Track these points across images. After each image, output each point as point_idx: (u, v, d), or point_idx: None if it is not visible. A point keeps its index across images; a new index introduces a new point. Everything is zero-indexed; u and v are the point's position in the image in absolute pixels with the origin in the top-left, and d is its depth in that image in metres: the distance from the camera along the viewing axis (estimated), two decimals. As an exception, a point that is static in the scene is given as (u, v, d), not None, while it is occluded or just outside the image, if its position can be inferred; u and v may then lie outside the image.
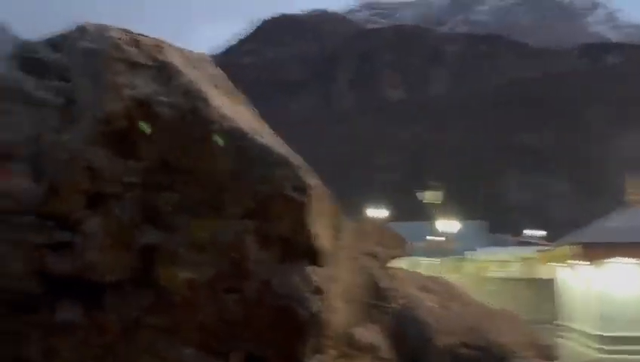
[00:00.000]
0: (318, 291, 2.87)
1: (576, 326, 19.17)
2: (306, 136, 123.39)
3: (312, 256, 3.00)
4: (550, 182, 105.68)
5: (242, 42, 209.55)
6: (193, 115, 3.09)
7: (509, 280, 35.92)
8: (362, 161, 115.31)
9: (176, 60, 3.24)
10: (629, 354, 15.79)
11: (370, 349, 3.44)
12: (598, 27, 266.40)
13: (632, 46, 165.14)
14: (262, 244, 3.00)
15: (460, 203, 64.28)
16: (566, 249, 17.92)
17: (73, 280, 3.34)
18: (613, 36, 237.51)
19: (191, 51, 3.67)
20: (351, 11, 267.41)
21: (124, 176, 3.14)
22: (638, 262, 16.65)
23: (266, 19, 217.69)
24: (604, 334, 16.63)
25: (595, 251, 16.58)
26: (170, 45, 3.41)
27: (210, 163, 3.05)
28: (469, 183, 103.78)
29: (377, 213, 33.78)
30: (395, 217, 28.86)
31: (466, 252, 49.08)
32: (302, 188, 2.99)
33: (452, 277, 35.64)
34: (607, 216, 19.53)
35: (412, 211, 40.09)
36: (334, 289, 3.00)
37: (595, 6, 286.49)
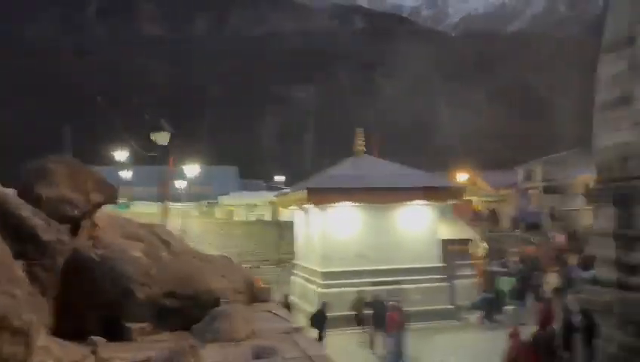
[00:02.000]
0: None
1: (306, 264, 20.81)
2: (45, 66, 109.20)
3: None
4: (300, 132, 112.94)
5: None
6: None
7: (255, 223, 37.61)
8: (112, 99, 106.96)
9: None
10: (345, 287, 17.78)
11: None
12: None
13: (377, 13, 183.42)
14: None
15: (212, 148, 64.48)
16: (299, 193, 19.14)
17: None
18: (363, 2, 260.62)
19: None
20: None
21: None
22: (355, 204, 18.68)
23: None
24: (325, 270, 18.39)
25: (321, 195, 18.09)
26: None
27: None
28: (224, 129, 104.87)
29: (120, 155, 31.63)
30: (141, 160, 27.30)
31: (219, 197, 49.82)
32: None
33: (202, 222, 35.77)
34: (337, 164, 21.44)
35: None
36: None
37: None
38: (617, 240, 11.84)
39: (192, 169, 27.54)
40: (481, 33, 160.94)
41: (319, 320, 15.37)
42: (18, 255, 3.44)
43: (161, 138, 14.72)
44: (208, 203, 47.02)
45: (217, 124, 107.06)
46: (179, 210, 34.83)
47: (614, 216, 11.91)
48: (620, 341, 11.25)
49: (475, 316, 18.92)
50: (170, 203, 28.27)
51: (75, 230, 5.59)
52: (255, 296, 7.61)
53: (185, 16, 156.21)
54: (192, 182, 32.52)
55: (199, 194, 47.17)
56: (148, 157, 21.32)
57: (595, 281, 12.70)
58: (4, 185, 5.18)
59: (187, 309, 6.09)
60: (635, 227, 11.37)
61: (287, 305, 15.56)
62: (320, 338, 15.23)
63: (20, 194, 4.94)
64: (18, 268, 3.34)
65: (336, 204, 18.49)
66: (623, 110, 11.72)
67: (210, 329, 5.53)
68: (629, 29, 11.73)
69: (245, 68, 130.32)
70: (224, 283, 6.85)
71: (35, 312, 3.36)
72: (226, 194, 50.39)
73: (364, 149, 21.83)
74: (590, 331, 12.10)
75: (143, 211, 33.04)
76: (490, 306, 18.70)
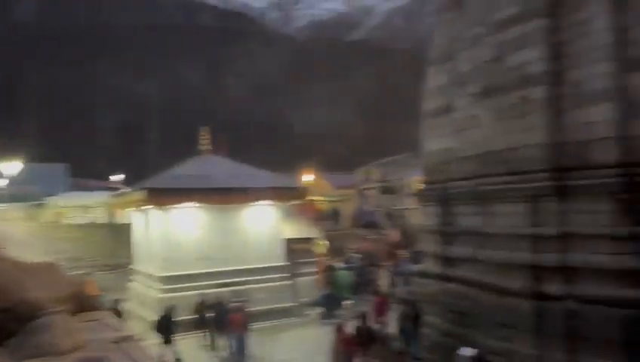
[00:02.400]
0: None
1: (144, 269, 19.86)
2: None
3: None
4: (143, 129, 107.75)
5: None
6: None
7: (88, 225, 34.97)
8: None
9: None
10: (188, 291, 17.29)
11: None
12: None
13: (225, 10, 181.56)
14: None
15: (42, 145, 58.81)
16: (138, 194, 18.19)
17: None
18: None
19: None
20: None
21: None
22: (199, 205, 18.27)
23: None
24: (166, 274, 17.72)
25: (161, 196, 17.38)
26: None
27: None
28: (53, 124, 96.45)
29: None
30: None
31: (47, 198, 45.45)
32: None
33: (27, 225, 32.37)
34: (180, 163, 20.77)
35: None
36: None
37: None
38: (440, 236, 13.05)
39: (12, 166, 24.71)
40: (325, 38, 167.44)
41: (165, 325, 14.78)
42: None
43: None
44: (34, 204, 42.60)
45: (47, 119, 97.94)
46: (3, 211, 31.15)
47: (438, 214, 13.11)
48: (442, 328, 12.39)
49: (316, 312, 19.57)
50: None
51: None
52: (83, 304, 7.05)
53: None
54: (14, 182, 29.27)
55: (23, 194, 42.61)
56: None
57: (423, 274, 13.83)
58: None
59: (1, 323, 5.44)
60: (454, 224, 12.62)
61: (119, 312, 14.74)
62: (167, 342, 14.67)
63: None
64: None
65: (179, 205, 17.90)
66: (446, 118, 12.94)
67: (28, 343, 5.01)
68: (449, 45, 12.99)
69: (79, 58, 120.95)
70: (45, 292, 6.25)
71: None
72: (54, 194, 46.10)
73: (210, 148, 21.45)
74: (418, 320, 13.20)
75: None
76: (330, 302, 19.47)
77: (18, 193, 39.95)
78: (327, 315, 18.95)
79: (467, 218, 12.18)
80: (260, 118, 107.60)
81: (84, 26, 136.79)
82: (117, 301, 16.49)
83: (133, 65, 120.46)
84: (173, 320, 14.96)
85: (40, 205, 42.90)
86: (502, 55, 11.10)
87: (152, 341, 14.51)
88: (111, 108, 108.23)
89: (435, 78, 13.59)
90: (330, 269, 21.84)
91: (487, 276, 11.13)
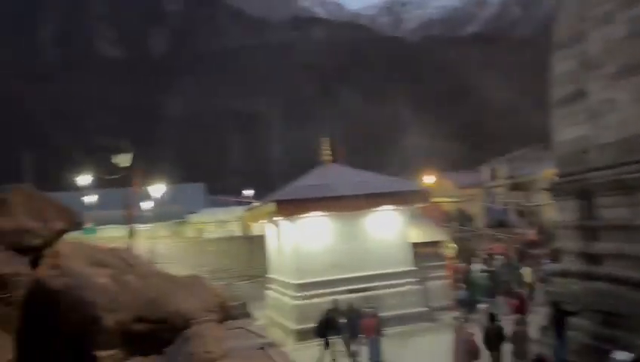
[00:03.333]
0: None
1: (280, 277, 20.68)
2: (3, 93, 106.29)
3: None
4: (266, 145, 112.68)
5: None
6: None
7: (226, 239, 37.18)
8: (72, 124, 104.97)
9: None
10: (320, 297, 17.72)
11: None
12: (307, 2, 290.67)
13: (336, 23, 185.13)
14: None
15: (176, 166, 63.70)
16: (268, 207, 19.04)
17: None
18: (320, 11, 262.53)
19: None
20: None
21: None
22: (325, 214, 18.69)
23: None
24: (299, 282, 18.31)
25: (289, 207, 18.04)
26: None
27: None
28: (188, 147, 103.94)
29: (83, 180, 30.94)
30: (105, 184, 26.79)
31: (188, 215, 49.17)
32: None
33: (172, 242, 35.21)
34: (304, 175, 21.43)
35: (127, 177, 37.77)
36: None
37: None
38: (581, 232, 12.14)
39: (157, 189, 27.11)
40: (438, 37, 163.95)
41: (324, 329, 15.21)
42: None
43: (123, 160, 14.49)
44: (177, 222, 46.34)
45: (181, 142, 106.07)
46: (147, 232, 34.21)
47: (577, 208, 12.21)
48: (589, 330, 11.50)
49: (449, 316, 19.09)
50: (138, 225, 27.80)
51: (36, 260, 5.43)
52: (227, 313, 7.52)
53: (140, 35, 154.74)
54: (159, 203, 32.09)
55: (167, 213, 46.46)
56: (112, 180, 20.96)
57: (564, 273, 12.97)
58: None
59: (158, 333, 5.97)
60: (597, 217, 11.68)
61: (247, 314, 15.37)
62: (326, 345, 15.12)
63: (-23, 228, 4.79)
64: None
65: (306, 214, 18.46)
66: (578, 104, 12.07)
67: (182, 351, 5.43)
68: (576, 27, 12.11)
69: (206, 83, 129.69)
70: (194, 303, 6.74)
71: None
72: (195, 212, 49.78)
73: (331, 158, 21.90)
74: (561, 322, 12.35)
75: (110, 235, 32.34)
76: (465, 305, 18.90)
77: (162, 212, 43.58)
78: (463, 319, 18.38)
79: (611, 210, 11.22)
80: (375, 123, 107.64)
81: (209, 53, 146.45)
82: (244, 305, 17.20)
83: (252, 85, 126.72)
84: (332, 323, 15.32)
85: (182, 222, 46.59)
86: (638, 31, 10.15)
87: (291, 346, 15.04)
88: (236, 129, 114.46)
89: (562, 63, 12.74)
90: (462, 272, 21.23)
91: (636, 272, 10.16)
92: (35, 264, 5.23)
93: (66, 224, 6.00)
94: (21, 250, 5.04)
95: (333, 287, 18.16)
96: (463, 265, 22.23)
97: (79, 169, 31.50)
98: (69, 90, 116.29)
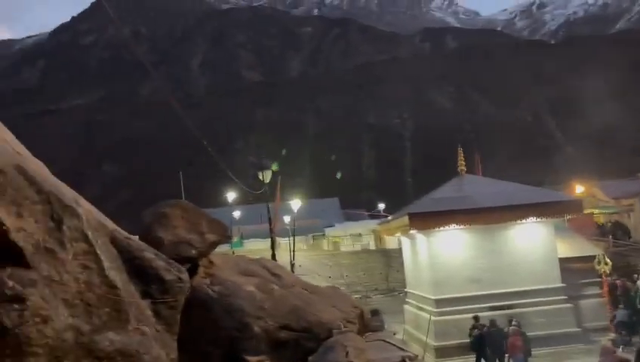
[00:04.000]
0: (15, 299, 2.27)
1: (417, 291, 20.32)
2: (156, 120, 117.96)
3: (10, 256, 2.38)
4: (401, 158, 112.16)
5: (78, 20, 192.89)
6: None
7: (361, 252, 37.56)
8: (219, 145, 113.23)
9: None
10: (460, 314, 17.11)
11: (125, 356, 2.93)
12: (438, 13, 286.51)
13: (469, 30, 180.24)
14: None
15: (316, 181, 65.84)
16: (402, 220, 18.85)
17: None
18: (452, 21, 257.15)
19: None
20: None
21: None
22: (462, 227, 18.03)
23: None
24: (437, 297, 17.81)
25: (425, 220, 17.66)
26: None
27: None
28: (325, 162, 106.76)
29: (230, 196, 33.25)
30: (249, 200, 28.67)
31: (325, 229, 50.59)
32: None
33: (310, 255, 36.34)
34: (439, 186, 20.94)
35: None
36: (50, 294, 2.42)
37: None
38: None
39: (297, 203, 28.40)
40: (583, 37, 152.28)
41: (479, 344, 14.86)
42: (144, 294, 3.71)
43: (267, 176, 15.46)
44: (314, 236, 47.81)
45: (317, 158, 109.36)
46: (287, 244, 35.75)
47: None
48: None
49: (607, 338, 17.40)
50: (279, 238, 29.21)
51: (192, 269, 5.93)
52: (367, 325, 7.57)
53: (278, 58, 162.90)
54: (297, 217, 33.48)
55: (306, 227, 48.15)
56: (255, 195, 22.21)
57: None
58: (131, 233, 5.65)
59: (302, 341, 6.18)
60: None
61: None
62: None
63: (142, 238, 5.35)
64: (146, 306, 3.60)
65: (443, 227, 17.98)
66: None
67: (325, 360, 5.56)
68: None
69: (340, 100, 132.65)
70: (335, 313, 6.89)
71: (162, 349, 3.59)
72: (331, 226, 51.02)
73: (465, 169, 21.19)
74: None
75: (255, 248, 34.28)
76: (627, 326, 17.13)
77: (301, 226, 45.31)
78: (624, 341, 16.66)
79: None
80: (513, 128, 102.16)
81: (342, 70, 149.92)
82: (381, 318, 17.07)
83: (385, 99, 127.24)
84: (504, 333, 14.89)
85: (319, 236, 47.97)
86: None
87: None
88: (370, 143, 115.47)
89: None
90: (621, 290, 19.28)
91: None
92: (191, 272, 5.70)
93: (218, 236, 6.47)
94: (179, 260, 5.52)
95: (474, 304, 17.43)
96: (621, 282, 20.17)
97: (227, 186, 33.96)
98: (217, 114, 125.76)
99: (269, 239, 21.83)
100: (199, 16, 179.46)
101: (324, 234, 49.26)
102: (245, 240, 41.71)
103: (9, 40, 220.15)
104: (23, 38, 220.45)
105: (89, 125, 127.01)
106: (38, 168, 2.63)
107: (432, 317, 17.59)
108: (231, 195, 33.30)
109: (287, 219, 38.14)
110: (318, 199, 53.61)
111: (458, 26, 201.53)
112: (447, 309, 17.52)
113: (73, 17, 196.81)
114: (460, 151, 21.27)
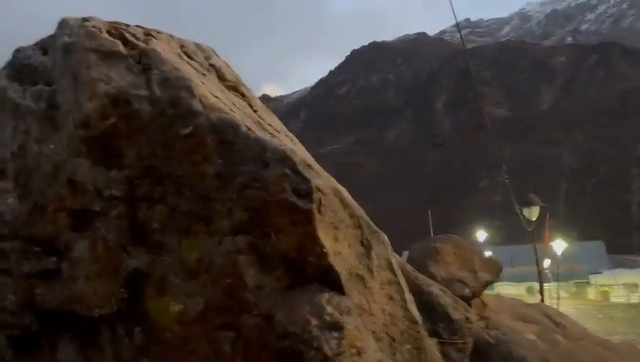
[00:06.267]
0: (334, 327, 2.11)
1: None
2: (404, 161, 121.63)
3: (327, 280, 2.26)
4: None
5: (334, 73, 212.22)
6: (174, 108, 2.50)
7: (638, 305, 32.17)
8: (463, 184, 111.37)
9: (160, 47, 2.68)
10: None
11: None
12: None
13: None
14: (260, 267, 2.31)
15: (574, 222, 59.52)
16: None
17: (65, 314, 2.86)
18: None
19: (197, 43, 3.12)
20: (446, 33, 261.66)
21: (106, 188, 2.61)
22: None
23: (356, 48, 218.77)
24: None
25: None
26: (163, 34, 2.87)
27: (196, 165, 2.44)
28: (584, 201, 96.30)
29: (479, 235, 31.73)
30: (497, 240, 27.04)
31: (591, 276, 45.20)
32: (305, 191, 2.26)
33: (574, 303, 32.70)
34: None
35: (515, 234, 37.20)
36: (361, 324, 2.23)
37: None
38: None
39: (561, 245, 25.71)
40: None
41: None
42: (430, 332, 3.39)
43: (533, 213, 14.15)
44: (576, 282, 42.79)
45: (573, 195, 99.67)
46: (546, 291, 32.51)
47: None
48: None
49: None
50: (536, 283, 26.76)
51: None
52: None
53: (528, 93, 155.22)
54: (559, 260, 30.30)
55: (568, 273, 43.52)
56: (501, 236, 20.75)
57: None
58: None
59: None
60: None
61: None
62: None
63: (413, 274, 5.13)
64: (433, 347, 3.26)
65: None
66: None
67: None
68: None
69: (600, 132, 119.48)
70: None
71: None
72: (598, 272, 45.12)
73: None
74: None
75: (506, 291, 32.00)
76: None
77: (562, 272, 41.15)
78: None
79: None
80: None
81: (602, 99, 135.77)
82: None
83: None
84: None
85: (583, 283, 42.75)
86: None
87: None
88: (636, 181, 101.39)
89: None
90: None
91: None
92: (466, 313, 5.23)
93: (492, 276, 5.96)
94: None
95: None
96: None
97: (476, 224, 32.74)
98: (462, 152, 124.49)
99: (523, 283, 20.06)
100: (444, 57, 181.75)
101: (588, 282, 43.77)
102: (495, 283, 39.49)
103: (280, 96, 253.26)
104: (289, 94, 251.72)
105: (341, 167, 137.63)
106: (345, 191, 2.53)
107: None
108: (482, 234, 31.81)
109: (546, 262, 34.86)
110: (580, 242, 48.04)
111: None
112: None
113: (330, 71, 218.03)
114: None
